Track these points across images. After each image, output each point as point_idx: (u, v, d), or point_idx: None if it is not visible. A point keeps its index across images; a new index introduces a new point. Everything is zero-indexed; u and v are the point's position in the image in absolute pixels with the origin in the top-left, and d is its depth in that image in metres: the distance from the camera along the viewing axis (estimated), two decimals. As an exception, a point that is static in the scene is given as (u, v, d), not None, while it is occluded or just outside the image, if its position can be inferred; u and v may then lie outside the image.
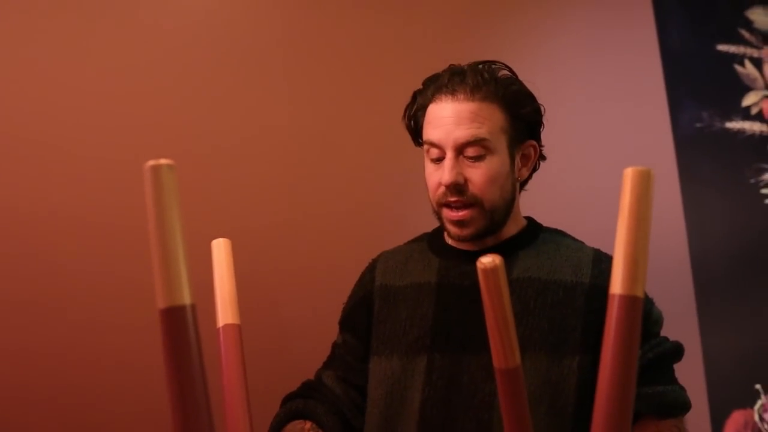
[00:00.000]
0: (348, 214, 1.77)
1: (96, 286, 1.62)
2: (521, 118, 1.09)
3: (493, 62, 1.12)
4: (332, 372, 1.17)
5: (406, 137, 1.17)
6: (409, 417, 1.06)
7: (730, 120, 2.04)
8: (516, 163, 1.10)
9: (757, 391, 1.90)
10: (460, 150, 1.05)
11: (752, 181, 2.03)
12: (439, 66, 1.13)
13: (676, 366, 1.11)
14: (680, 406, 1.06)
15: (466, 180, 1.05)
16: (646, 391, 1.02)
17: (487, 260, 0.52)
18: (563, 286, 1.07)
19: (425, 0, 1.90)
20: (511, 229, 1.14)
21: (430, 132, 1.07)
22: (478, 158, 1.05)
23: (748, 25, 2.09)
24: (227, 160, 1.73)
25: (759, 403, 1.86)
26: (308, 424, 1.09)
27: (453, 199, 1.06)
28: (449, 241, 1.15)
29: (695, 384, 1.86)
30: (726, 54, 2.06)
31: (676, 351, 1.10)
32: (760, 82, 2.07)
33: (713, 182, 2.01)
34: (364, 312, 1.16)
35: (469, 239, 1.09)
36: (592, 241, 1.17)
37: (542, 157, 1.16)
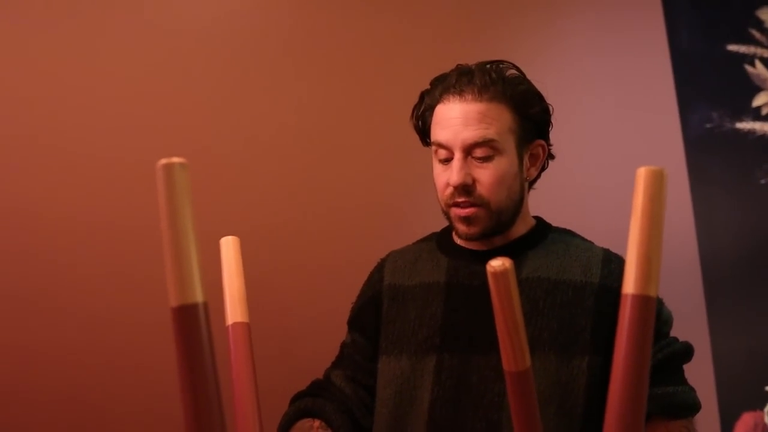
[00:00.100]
0: (357, 213, 1.77)
1: (108, 285, 1.63)
2: (529, 117, 1.08)
3: (501, 62, 1.11)
4: (341, 371, 1.17)
5: (415, 137, 1.17)
6: (418, 417, 1.06)
7: (741, 120, 2.03)
8: (524, 163, 1.10)
9: (767, 392, 1.89)
10: (468, 151, 1.05)
11: (762, 181, 2.02)
12: (447, 66, 1.13)
13: (685, 367, 1.10)
14: (690, 407, 1.06)
15: (474, 181, 1.05)
16: (656, 391, 1.02)
17: (497, 263, 0.51)
18: (572, 286, 1.07)
19: (434, 0, 1.90)
20: (520, 228, 1.13)
21: (438, 133, 1.07)
22: (486, 159, 1.05)
23: (759, 25, 2.08)
24: (235, 160, 1.73)
25: (769, 405, 1.85)
26: (317, 422, 1.09)
27: (461, 199, 1.06)
28: (458, 240, 1.15)
29: (705, 385, 1.85)
30: (736, 54, 2.05)
31: (686, 351, 1.09)
32: (771, 82, 2.06)
33: (723, 183, 2.00)
34: (373, 312, 1.16)
35: (476, 238, 1.09)
36: (601, 241, 1.17)
37: (551, 157, 1.16)
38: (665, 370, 1.05)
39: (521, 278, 1.07)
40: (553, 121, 1.15)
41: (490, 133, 1.04)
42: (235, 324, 0.77)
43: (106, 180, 1.65)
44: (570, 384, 1.02)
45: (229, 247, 0.79)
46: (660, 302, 1.10)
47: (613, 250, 1.14)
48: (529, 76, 1.13)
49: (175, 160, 0.46)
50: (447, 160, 1.07)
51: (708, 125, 2.01)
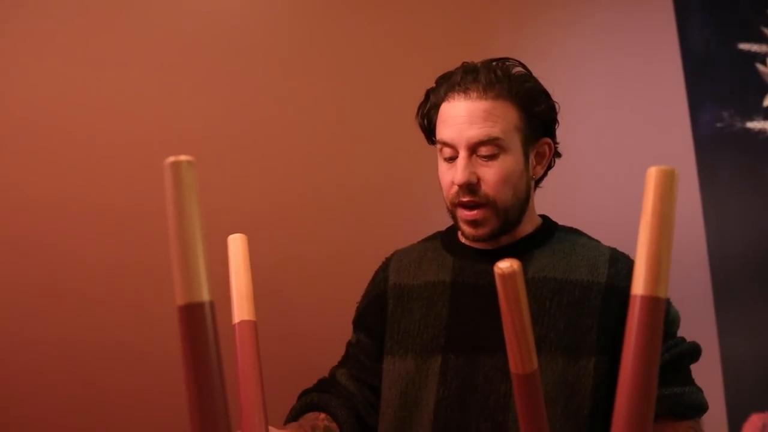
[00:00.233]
0: (362, 212, 1.77)
1: (114, 282, 1.63)
2: (535, 115, 1.07)
3: (507, 59, 1.10)
4: (346, 370, 1.17)
5: (421, 135, 1.16)
6: (424, 417, 1.06)
7: (751, 120, 2.01)
8: (530, 161, 1.09)
9: (776, 394, 1.88)
10: (473, 149, 1.04)
11: (773, 181, 2.01)
12: (455, 64, 1.12)
13: (693, 367, 1.09)
14: (697, 407, 1.05)
15: (479, 179, 1.04)
16: (663, 392, 1.01)
17: (505, 265, 0.51)
18: (579, 285, 1.06)
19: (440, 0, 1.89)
20: (526, 227, 1.13)
21: (443, 131, 1.07)
22: (491, 157, 1.04)
23: (771, 23, 2.06)
24: (242, 158, 1.74)
25: (777, 406, 1.83)
26: (322, 415, 1.10)
27: (466, 198, 1.05)
28: (463, 239, 1.14)
29: (713, 385, 1.84)
30: (748, 53, 2.03)
31: (693, 352, 1.08)
32: (782, 82, 2.04)
33: (733, 182, 1.99)
34: (378, 311, 1.16)
35: (485, 239, 1.08)
36: (608, 240, 1.16)
37: (557, 155, 1.15)
38: (672, 370, 1.04)
39: (527, 278, 1.07)
40: (562, 120, 1.14)
41: (495, 131, 1.03)
42: (242, 322, 0.76)
43: (113, 178, 1.65)
44: (576, 384, 1.02)
45: (236, 244, 0.79)
46: (667, 302, 1.09)
47: (621, 249, 1.13)
48: (538, 75, 1.12)
49: (183, 157, 0.46)
50: (452, 159, 1.06)
51: (718, 124, 2.00)
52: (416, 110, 1.15)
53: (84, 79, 1.66)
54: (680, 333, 1.11)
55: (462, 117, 1.04)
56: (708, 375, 1.83)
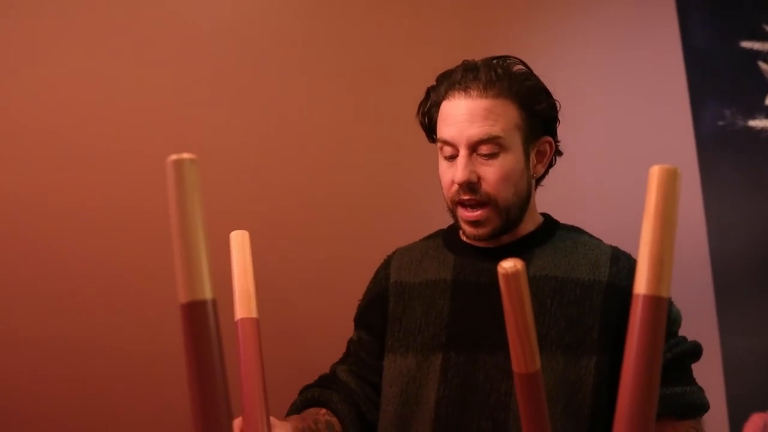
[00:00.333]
0: (364, 210, 1.77)
1: (117, 280, 1.64)
2: (536, 114, 1.07)
3: (508, 57, 1.10)
4: (346, 367, 1.18)
5: (422, 134, 1.16)
6: (424, 415, 1.06)
7: (753, 118, 2.01)
8: (531, 159, 1.09)
9: (777, 393, 1.87)
10: (473, 148, 1.04)
11: (775, 180, 2.00)
12: (456, 62, 1.12)
13: (694, 366, 1.09)
14: (698, 407, 1.05)
15: (479, 178, 1.04)
16: (664, 391, 1.01)
17: (508, 265, 0.51)
18: (580, 284, 1.06)
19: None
20: (528, 226, 1.12)
21: (444, 130, 1.06)
22: (491, 156, 1.04)
23: (773, 21, 2.06)
24: (243, 156, 1.74)
25: (778, 405, 1.83)
26: (323, 410, 1.10)
27: (466, 197, 1.05)
28: (464, 238, 1.14)
29: (714, 385, 1.84)
30: (750, 51, 2.03)
31: (695, 351, 1.08)
32: (785, 80, 2.04)
33: (735, 181, 1.98)
34: (379, 309, 1.16)
35: (486, 239, 1.08)
36: (610, 239, 1.16)
37: (558, 153, 1.15)
38: (674, 369, 1.04)
39: (529, 276, 1.05)
40: (563, 119, 1.13)
41: (496, 129, 1.03)
42: (244, 319, 0.77)
43: (115, 177, 1.65)
44: (577, 383, 1.02)
45: (238, 241, 0.79)
46: (669, 302, 1.09)
47: (623, 247, 1.13)
48: (540, 73, 1.12)
49: (185, 156, 0.46)
50: (452, 157, 1.06)
51: (720, 123, 1.99)
52: (417, 108, 1.15)
53: (86, 79, 1.66)
54: (681, 332, 1.10)
55: (462, 115, 1.04)
56: (709, 374, 1.82)
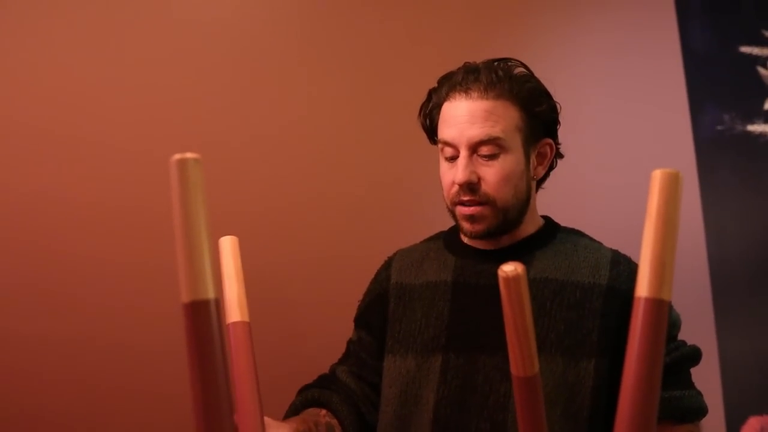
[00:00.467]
0: (364, 211, 1.77)
1: (119, 279, 1.63)
2: (536, 115, 1.08)
3: (509, 59, 1.11)
4: (346, 367, 1.18)
5: (423, 135, 1.16)
6: (423, 417, 1.06)
7: (752, 123, 2.01)
8: (531, 161, 1.09)
9: (774, 397, 1.88)
10: (473, 149, 1.04)
11: (773, 185, 2.01)
12: (457, 64, 1.12)
13: (692, 370, 1.10)
14: (696, 411, 1.05)
15: (479, 179, 1.04)
16: (663, 395, 1.01)
17: (509, 268, 0.51)
18: (580, 287, 1.06)
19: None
20: (528, 228, 1.13)
21: (445, 131, 1.07)
22: (491, 157, 1.04)
23: (772, 26, 2.06)
24: (242, 157, 1.74)
25: (775, 409, 1.83)
26: (323, 411, 1.10)
27: (466, 198, 1.05)
28: (465, 240, 1.14)
29: (711, 389, 1.84)
30: (749, 56, 2.03)
31: (694, 355, 1.09)
32: (783, 85, 2.04)
33: (733, 185, 1.99)
34: (379, 310, 1.16)
35: (482, 236, 1.08)
36: (609, 242, 1.16)
37: (559, 155, 1.15)
38: (673, 373, 1.04)
39: (529, 279, 1.05)
40: (564, 122, 1.14)
41: (496, 131, 1.03)
42: (235, 323, 0.77)
43: (118, 175, 1.65)
44: (576, 386, 1.02)
45: (227, 247, 0.80)
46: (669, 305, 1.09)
47: (623, 251, 1.13)
48: (540, 76, 1.12)
49: (189, 155, 0.46)
50: (453, 158, 1.06)
51: (719, 127, 2.00)
52: (418, 110, 1.15)
53: (90, 78, 1.66)
54: (679, 336, 1.11)
55: (463, 117, 1.04)
56: (706, 378, 1.83)
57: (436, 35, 1.86)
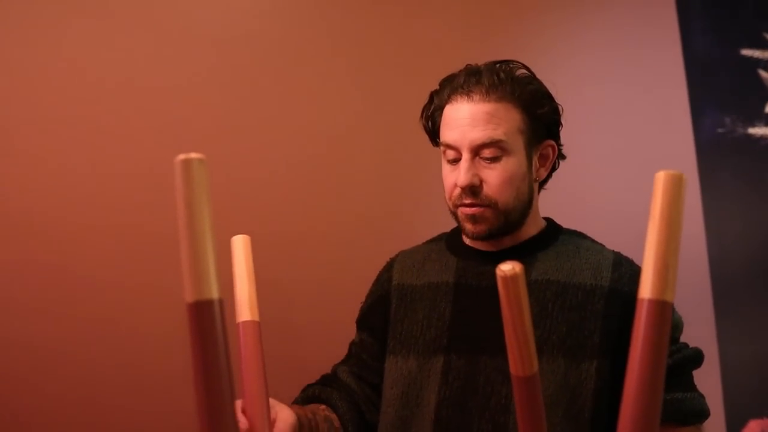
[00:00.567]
0: (367, 213, 1.78)
1: (121, 281, 1.63)
2: (538, 118, 1.08)
3: (511, 62, 1.11)
4: (348, 368, 1.18)
5: (425, 137, 1.17)
6: (425, 418, 1.06)
7: (753, 126, 2.01)
8: (534, 163, 1.09)
9: (775, 400, 1.88)
10: (476, 151, 1.04)
11: (773, 187, 2.01)
12: (459, 65, 1.13)
13: (692, 373, 1.10)
14: (699, 413, 1.05)
15: (481, 181, 1.05)
16: (665, 397, 1.01)
17: (507, 267, 0.51)
18: (582, 289, 1.06)
19: (444, 0, 1.90)
20: (530, 229, 1.13)
21: (447, 133, 1.07)
22: (494, 159, 1.04)
23: (773, 29, 2.06)
24: (246, 160, 1.74)
25: (776, 412, 1.83)
26: (323, 406, 1.11)
27: (468, 201, 1.06)
28: (467, 241, 1.15)
29: (711, 391, 1.84)
30: (750, 59, 2.04)
31: (696, 358, 1.09)
32: (784, 88, 2.05)
33: (734, 188, 1.99)
34: (381, 311, 1.16)
35: (484, 237, 1.08)
36: (611, 244, 1.17)
37: (562, 157, 1.15)
38: (675, 375, 1.04)
39: (531, 280, 1.07)
40: (565, 125, 1.14)
41: (498, 133, 1.03)
42: (245, 322, 0.77)
43: (121, 175, 1.65)
44: (578, 388, 1.02)
45: (240, 245, 0.80)
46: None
47: (625, 253, 1.13)
48: (540, 78, 1.12)
49: (194, 155, 0.46)
50: (455, 161, 1.07)
51: (720, 130, 2.00)
52: (420, 113, 1.15)
53: (95, 78, 1.66)
54: (680, 338, 1.11)
55: (465, 119, 1.04)
56: (707, 381, 1.82)
57: (437, 37, 1.86)
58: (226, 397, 0.46)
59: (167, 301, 1.51)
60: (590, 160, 1.86)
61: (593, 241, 1.17)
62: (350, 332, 1.23)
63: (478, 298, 1.09)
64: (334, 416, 1.10)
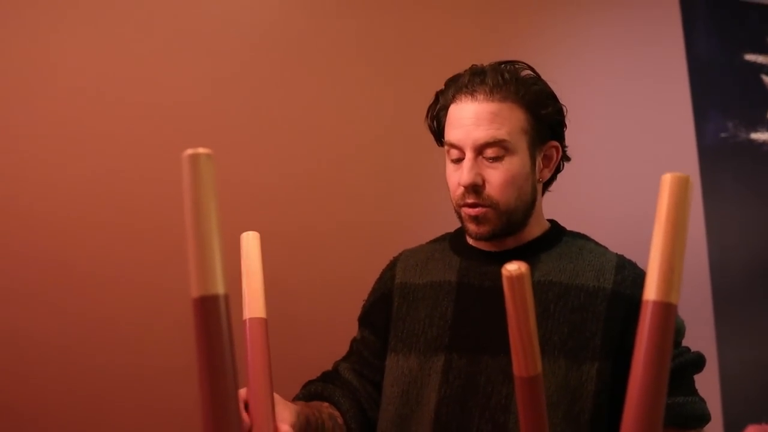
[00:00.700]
0: (371, 212, 1.78)
1: (123, 279, 1.63)
2: (542, 118, 1.08)
3: (516, 62, 1.11)
4: (349, 365, 1.18)
5: (431, 137, 1.17)
6: (424, 416, 1.06)
7: (756, 131, 2.02)
8: (537, 164, 1.09)
9: (773, 405, 1.88)
10: (479, 151, 1.04)
11: (775, 193, 2.01)
12: (464, 65, 1.13)
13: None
14: (699, 417, 1.05)
15: (484, 181, 1.05)
16: (666, 401, 1.01)
17: (513, 267, 0.51)
18: (585, 290, 1.06)
19: (451, 0, 1.90)
20: (534, 230, 1.13)
21: (451, 133, 1.07)
22: (497, 159, 1.04)
23: (777, 35, 2.07)
24: (253, 155, 1.74)
25: (774, 418, 1.83)
26: (326, 404, 1.10)
27: (470, 200, 1.06)
28: (471, 241, 1.15)
29: (710, 396, 1.85)
30: (753, 64, 2.04)
31: (698, 362, 1.08)
32: (787, 94, 2.05)
33: (736, 193, 1.99)
34: (384, 309, 1.17)
35: (486, 238, 1.08)
36: (614, 247, 1.17)
37: (566, 158, 1.15)
38: (676, 379, 1.04)
39: (533, 281, 1.07)
40: (568, 128, 1.14)
41: (502, 133, 1.03)
42: (252, 319, 0.77)
43: (126, 172, 1.65)
44: (579, 389, 1.02)
45: (249, 242, 0.80)
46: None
47: (627, 255, 1.13)
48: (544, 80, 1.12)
49: (201, 150, 0.46)
50: (459, 160, 1.07)
51: (723, 135, 2.00)
52: (426, 112, 1.15)
53: (99, 76, 1.66)
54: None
55: (469, 119, 1.05)
56: (706, 385, 1.82)
57: (442, 37, 1.86)
58: (231, 392, 0.46)
59: (171, 297, 1.51)
60: (593, 163, 1.86)
61: (596, 243, 1.17)
62: (352, 329, 1.23)
63: (480, 298, 1.09)
64: (337, 413, 1.10)
